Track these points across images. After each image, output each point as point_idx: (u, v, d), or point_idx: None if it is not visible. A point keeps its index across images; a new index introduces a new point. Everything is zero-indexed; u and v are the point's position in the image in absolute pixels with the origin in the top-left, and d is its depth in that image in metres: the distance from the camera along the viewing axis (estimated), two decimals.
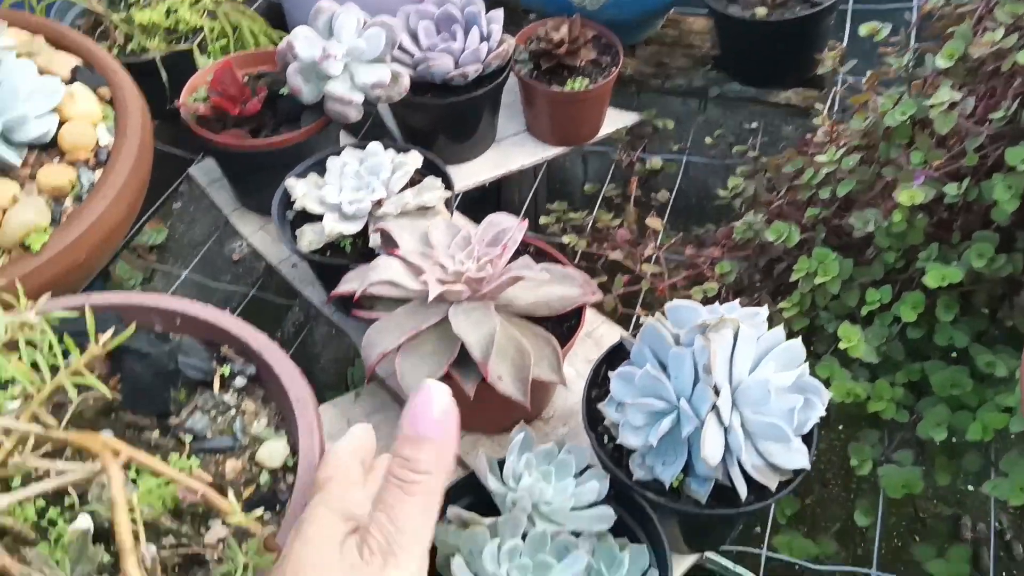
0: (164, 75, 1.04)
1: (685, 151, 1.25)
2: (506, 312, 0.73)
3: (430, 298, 0.66)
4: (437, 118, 1.07)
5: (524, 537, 0.55)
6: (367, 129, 1.21)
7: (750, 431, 0.61)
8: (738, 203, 0.99)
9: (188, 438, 0.62)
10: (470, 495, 0.62)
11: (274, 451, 0.62)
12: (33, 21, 0.94)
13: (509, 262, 0.72)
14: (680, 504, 0.63)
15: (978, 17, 0.81)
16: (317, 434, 0.62)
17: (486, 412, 0.79)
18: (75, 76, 0.89)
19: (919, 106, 0.78)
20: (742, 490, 0.61)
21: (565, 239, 0.99)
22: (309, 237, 0.82)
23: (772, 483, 0.62)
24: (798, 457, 0.63)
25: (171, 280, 1.53)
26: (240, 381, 0.66)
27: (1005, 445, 0.79)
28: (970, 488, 1.42)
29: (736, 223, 0.91)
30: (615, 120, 1.20)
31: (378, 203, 0.82)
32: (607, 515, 0.59)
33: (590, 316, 0.94)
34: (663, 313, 0.64)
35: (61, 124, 0.87)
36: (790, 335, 0.66)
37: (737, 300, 0.65)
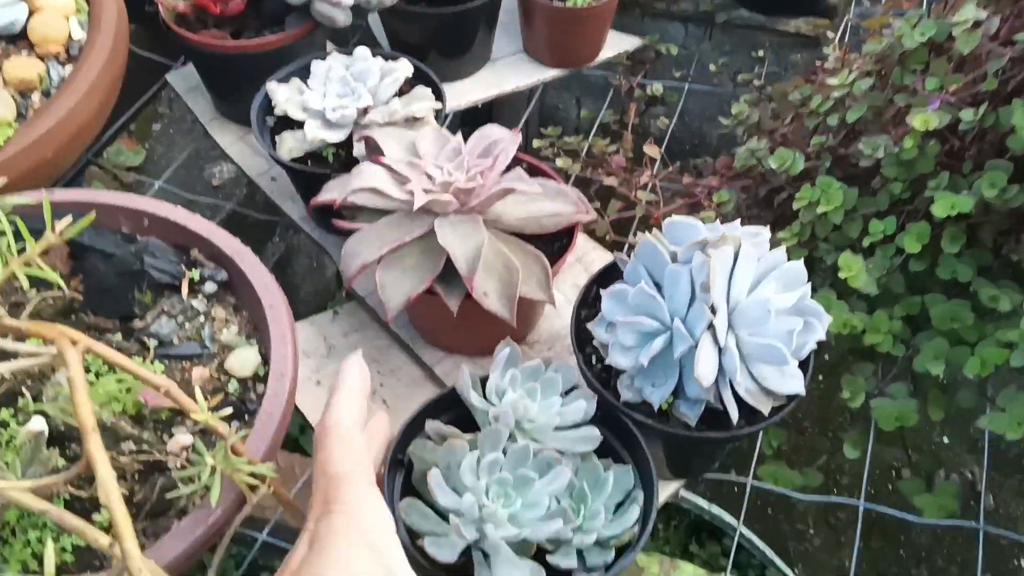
0: None
1: (688, 79, 1.20)
2: (495, 228, 0.69)
3: (415, 207, 0.62)
4: (430, 31, 1.01)
5: (505, 452, 0.52)
6: (355, 43, 1.15)
7: (745, 353, 0.58)
8: (741, 131, 0.95)
9: (153, 343, 0.59)
10: (450, 412, 0.60)
11: (244, 360, 0.59)
12: None
13: (500, 176, 0.69)
14: (669, 427, 0.60)
15: None
16: (291, 344, 0.59)
17: (469, 332, 0.76)
18: None
19: (940, 27, 0.74)
20: (734, 413, 0.59)
21: (559, 163, 0.95)
22: (289, 144, 0.78)
23: (765, 407, 0.60)
24: (793, 382, 0.60)
25: None
26: (210, 287, 0.62)
27: (1001, 383, 0.77)
28: (945, 440, 1.41)
29: (738, 150, 0.88)
30: (616, 43, 1.15)
31: (364, 111, 0.77)
32: (592, 436, 0.57)
33: (581, 241, 0.90)
34: (660, 230, 0.61)
35: (31, 15, 0.82)
36: None
37: (738, 221, 0.62)
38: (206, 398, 0.57)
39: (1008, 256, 0.76)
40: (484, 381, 0.60)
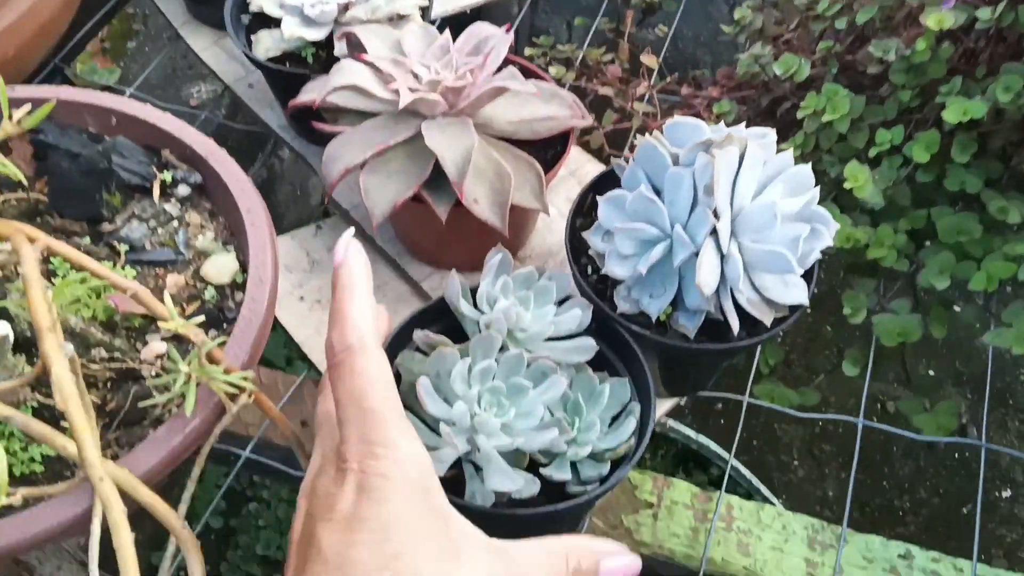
0: None
1: None
2: (485, 133, 0.66)
3: (401, 105, 0.58)
4: None
5: (497, 362, 0.50)
6: None
7: (748, 261, 0.55)
8: (743, 39, 0.90)
9: (124, 248, 0.55)
10: (437, 324, 0.57)
11: (221, 266, 0.56)
12: None
13: (492, 75, 0.65)
14: (667, 338, 0.58)
15: None
16: (270, 249, 0.55)
17: (458, 245, 0.73)
18: None
19: None
20: (735, 324, 0.56)
21: (552, 71, 0.91)
22: (266, 43, 0.73)
23: (767, 318, 0.57)
24: (796, 292, 0.58)
25: None
26: (183, 190, 0.59)
27: (1004, 300, 0.75)
28: (931, 373, 1.41)
29: (740, 57, 0.84)
30: None
31: (345, 7, 0.72)
32: (588, 346, 0.54)
33: (575, 154, 0.87)
34: (661, 132, 0.57)
35: None
36: None
37: (742, 124, 0.58)
38: (180, 306, 0.54)
39: (1018, 168, 0.74)
40: (474, 292, 0.57)
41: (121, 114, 0.59)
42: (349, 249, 0.43)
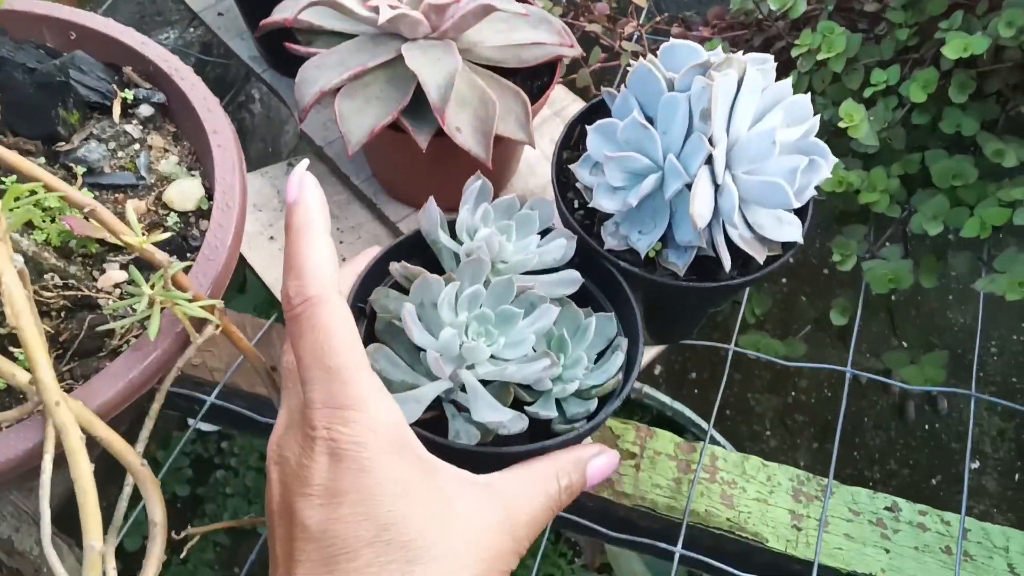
0: None
1: None
2: (469, 60, 0.62)
3: (380, 21, 0.55)
4: None
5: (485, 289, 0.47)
6: None
7: (743, 194, 0.53)
8: None
9: (80, 170, 0.52)
10: (414, 259, 0.53)
11: (186, 191, 0.53)
12: None
13: None
14: (656, 275, 0.56)
15: None
16: (239, 173, 0.52)
17: (438, 181, 0.70)
18: None
19: None
20: (726, 260, 0.54)
21: (539, 4, 0.87)
22: None
23: (760, 256, 0.55)
24: (790, 229, 0.55)
25: None
26: (146, 110, 0.55)
27: (996, 248, 0.73)
28: (904, 344, 1.41)
29: None
30: None
31: None
32: (572, 278, 0.52)
33: (560, 93, 0.84)
34: (656, 53, 0.54)
35: None
36: None
37: (740, 52, 0.55)
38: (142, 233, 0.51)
39: (1015, 111, 0.72)
40: (452, 224, 0.54)
41: (80, 27, 0.55)
42: (304, 184, 0.40)
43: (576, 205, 0.60)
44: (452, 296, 0.45)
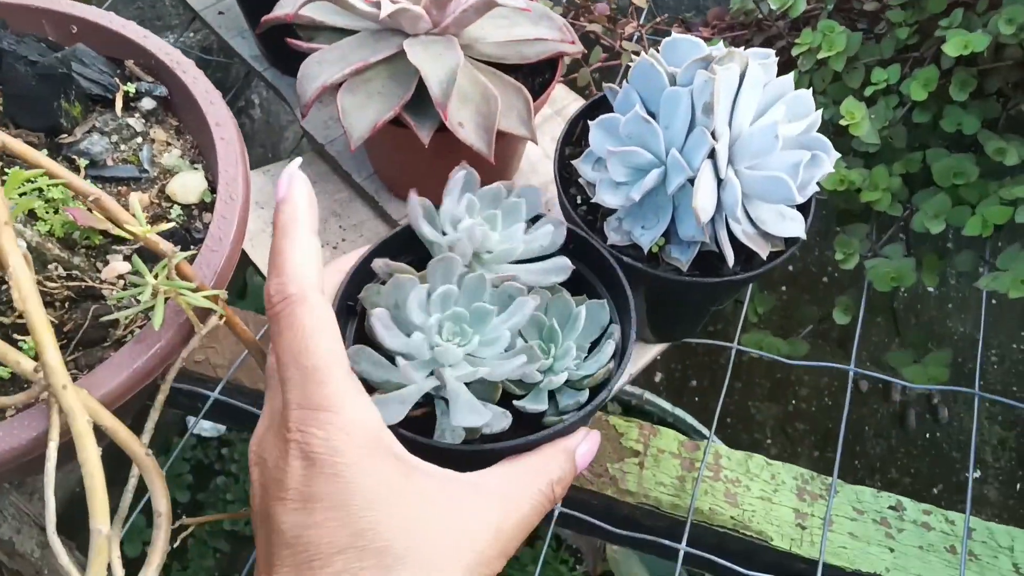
0: None
1: None
2: (471, 56, 0.62)
3: (382, 16, 0.55)
4: None
5: (460, 286, 0.46)
6: None
7: (746, 189, 0.53)
8: None
9: (83, 163, 0.52)
10: (408, 254, 0.52)
11: (189, 184, 0.53)
12: None
13: None
14: (660, 271, 0.56)
15: None
16: (241, 165, 0.52)
17: (440, 179, 0.69)
18: None
19: None
20: (729, 254, 0.54)
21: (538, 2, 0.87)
22: None
23: (763, 251, 0.55)
24: (793, 225, 0.55)
25: None
26: (148, 103, 0.55)
27: (997, 247, 0.73)
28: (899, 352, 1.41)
29: None
30: None
31: None
32: (562, 265, 0.50)
33: (561, 92, 0.84)
34: (657, 50, 0.55)
35: None
36: None
37: (743, 47, 0.56)
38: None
39: (1015, 109, 0.72)
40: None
41: (82, 21, 0.55)
42: (293, 182, 0.40)
43: (579, 201, 0.60)
44: (423, 297, 0.44)
